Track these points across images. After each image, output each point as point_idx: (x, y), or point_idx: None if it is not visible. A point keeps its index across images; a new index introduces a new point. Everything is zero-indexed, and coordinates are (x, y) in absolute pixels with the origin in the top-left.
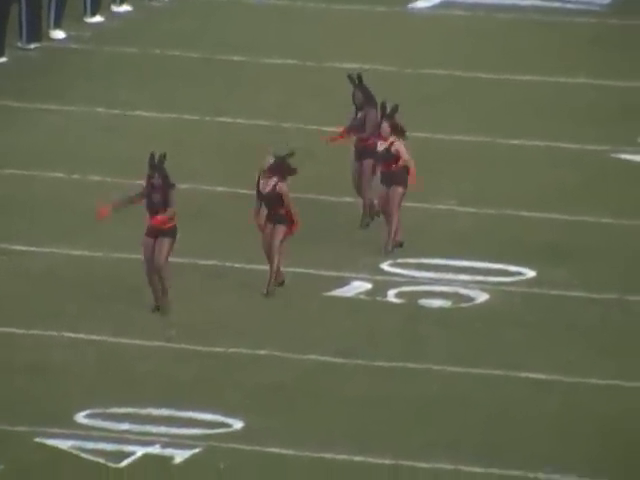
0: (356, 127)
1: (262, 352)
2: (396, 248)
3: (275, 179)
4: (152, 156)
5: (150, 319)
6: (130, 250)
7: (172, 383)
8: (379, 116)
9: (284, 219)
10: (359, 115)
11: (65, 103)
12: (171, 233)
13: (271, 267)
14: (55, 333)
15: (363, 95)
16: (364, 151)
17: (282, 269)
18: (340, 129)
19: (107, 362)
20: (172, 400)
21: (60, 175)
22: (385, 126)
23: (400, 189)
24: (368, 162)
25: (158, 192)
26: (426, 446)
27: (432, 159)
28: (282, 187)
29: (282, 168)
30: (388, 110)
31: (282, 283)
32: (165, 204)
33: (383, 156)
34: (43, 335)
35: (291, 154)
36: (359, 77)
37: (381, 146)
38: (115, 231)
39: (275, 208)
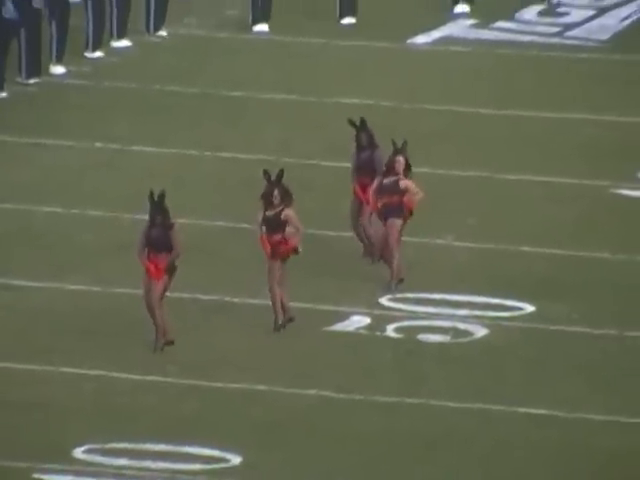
0: (365, 170)
1: (262, 387)
2: (397, 284)
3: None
4: (152, 193)
5: (149, 354)
6: (128, 285)
7: (171, 418)
8: (392, 152)
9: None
10: (363, 156)
11: (64, 138)
12: (169, 271)
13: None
14: (53, 368)
15: (367, 137)
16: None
17: (290, 304)
18: (358, 187)
19: (105, 397)
20: (171, 435)
21: (58, 210)
22: (401, 160)
23: (397, 222)
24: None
25: (158, 229)
26: None
27: (431, 194)
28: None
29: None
30: (398, 145)
31: (291, 319)
32: (165, 244)
33: (387, 189)
34: (41, 370)
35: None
36: (362, 121)
37: (388, 179)
38: (113, 266)
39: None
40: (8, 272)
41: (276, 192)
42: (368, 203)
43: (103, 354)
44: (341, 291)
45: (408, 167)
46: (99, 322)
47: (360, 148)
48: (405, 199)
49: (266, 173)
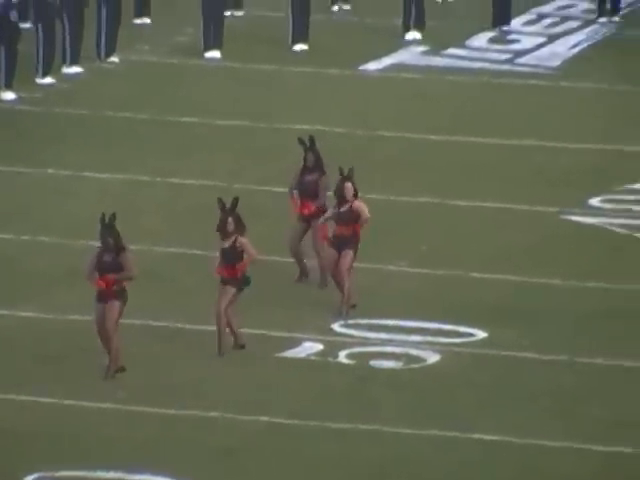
0: (308, 193)
1: (214, 414)
2: (349, 310)
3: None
4: (103, 216)
5: (100, 381)
6: (80, 312)
7: (122, 446)
8: (339, 179)
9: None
10: (308, 178)
11: (15, 165)
12: (121, 296)
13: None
14: (2, 395)
15: (315, 158)
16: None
17: (241, 331)
18: (296, 202)
19: (56, 424)
20: (122, 463)
21: (9, 236)
22: (349, 187)
23: (351, 252)
24: (321, 226)
25: (109, 253)
26: None
27: (384, 221)
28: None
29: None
30: (346, 172)
31: (242, 346)
32: (116, 268)
33: (343, 218)
34: None
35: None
36: (311, 140)
37: (343, 207)
38: (64, 292)
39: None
40: None
41: (230, 220)
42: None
43: (54, 381)
44: (293, 317)
45: (355, 194)
46: (50, 349)
47: (306, 169)
48: (357, 227)
49: (220, 202)
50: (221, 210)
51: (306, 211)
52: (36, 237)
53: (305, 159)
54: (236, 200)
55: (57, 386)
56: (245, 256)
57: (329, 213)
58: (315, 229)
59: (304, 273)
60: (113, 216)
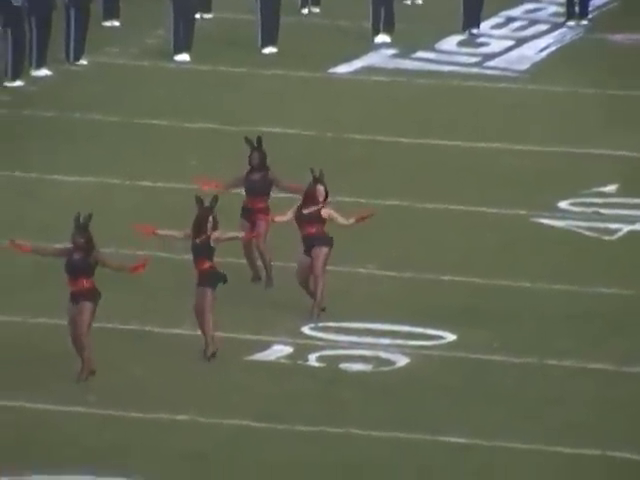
0: (258, 192)
1: (181, 417)
2: (319, 313)
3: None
4: (78, 216)
5: (68, 384)
6: (48, 315)
7: (90, 450)
8: (311, 181)
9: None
10: (255, 177)
11: None
12: (93, 297)
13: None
14: None
15: (260, 158)
16: (254, 212)
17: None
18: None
19: (24, 429)
20: (90, 467)
21: None
22: (321, 189)
23: (325, 249)
24: (262, 223)
25: (80, 253)
26: None
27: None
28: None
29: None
30: (317, 174)
31: (214, 354)
32: (85, 267)
33: (310, 218)
34: None
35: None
36: (259, 140)
37: (308, 209)
38: (32, 296)
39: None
40: None
41: (211, 218)
42: (266, 224)
43: (22, 385)
44: (262, 320)
45: (326, 196)
46: (18, 352)
47: (252, 169)
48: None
49: (199, 199)
50: (200, 207)
51: (253, 207)
52: (2, 240)
53: (251, 159)
54: (216, 198)
55: (24, 390)
56: (226, 236)
57: (290, 214)
58: (260, 228)
59: (257, 275)
60: (89, 216)
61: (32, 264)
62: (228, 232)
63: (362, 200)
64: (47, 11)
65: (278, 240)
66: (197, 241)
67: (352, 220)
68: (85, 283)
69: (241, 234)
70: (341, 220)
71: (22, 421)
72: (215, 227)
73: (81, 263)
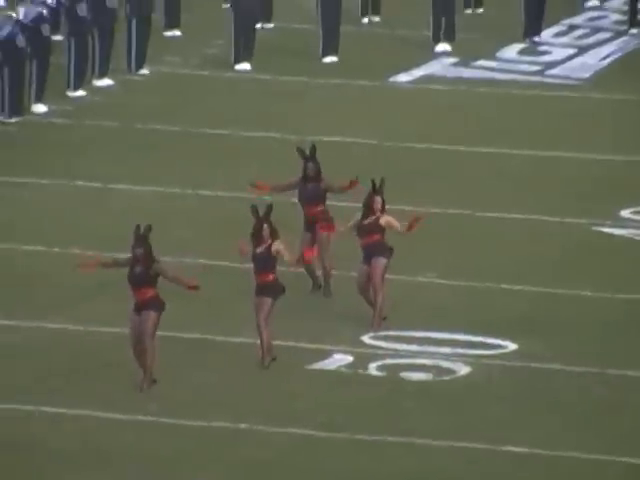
0: (314, 201)
1: (243, 426)
2: (381, 322)
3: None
4: (138, 227)
5: (130, 393)
6: (109, 324)
7: (153, 458)
8: (370, 192)
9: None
10: (310, 186)
11: (45, 177)
12: (157, 307)
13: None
14: (32, 407)
15: (315, 169)
16: (314, 221)
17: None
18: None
19: (86, 437)
20: (153, 476)
21: (39, 249)
22: (378, 200)
23: (384, 259)
24: (323, 234)
25: (141, 265)
26: None
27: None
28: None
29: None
30: (377, 185)
31: (273, 358)
32: (148, 278)
33: (369, 229)
34: (21, 410)
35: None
36: (312, 150)
37: (367, 219)
38: (93, 305)
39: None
40: None
41: (265, 226)
42: (327, 235)
43: (84, 393)
44: (323, 329)
45: (383, 207)
46: (79, 361)
47: (306, 179)
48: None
49: (254, 208)
50: (255, 217)
51: (310, 215)
52: (66, 249)
53: (305, 169)
54: (270, 207)
55: (86, 398)
56: (287, 256)
57: (352, 223)
58: (322, 238)
59: (317, 285)
60: (148, 227)
61: (96, 274)
62: (290, 252)
63: (422, 209)
64: (109, 22)
65: (339, 250)
66: (257, 250)
67: (405, 229)
68: (148, 293)
69: (292, 259)
70: (399, 228)
71: (83, 429)
72: (273, 235)
73: (142, 274)
